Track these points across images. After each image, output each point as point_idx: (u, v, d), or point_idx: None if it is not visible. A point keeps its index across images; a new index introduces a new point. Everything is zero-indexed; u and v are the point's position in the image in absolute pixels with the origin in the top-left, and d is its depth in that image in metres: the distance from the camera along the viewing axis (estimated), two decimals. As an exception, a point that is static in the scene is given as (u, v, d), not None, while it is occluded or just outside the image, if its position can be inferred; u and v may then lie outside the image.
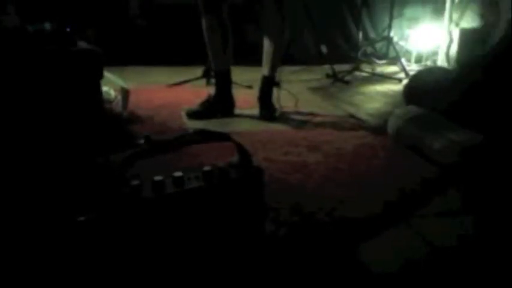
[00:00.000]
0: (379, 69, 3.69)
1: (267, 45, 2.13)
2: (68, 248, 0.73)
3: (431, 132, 1.57)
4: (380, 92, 2.84)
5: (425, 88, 1.99)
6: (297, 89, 2.73)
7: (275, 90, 2.22)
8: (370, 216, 1.16)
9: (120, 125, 1.88)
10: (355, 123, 2.09)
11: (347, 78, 3.15)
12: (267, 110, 2.13)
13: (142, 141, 0.80)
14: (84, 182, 0.82)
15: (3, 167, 1.27)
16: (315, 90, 2.90)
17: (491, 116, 1.61)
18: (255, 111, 2.17)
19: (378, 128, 1.96)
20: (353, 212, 1.17)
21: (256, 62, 2.24)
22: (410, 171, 1.48)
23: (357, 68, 3.39)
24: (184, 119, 2.08)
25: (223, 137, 0.85)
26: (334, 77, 3.16)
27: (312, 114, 2.24)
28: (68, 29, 1.57)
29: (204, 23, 2.08)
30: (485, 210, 1.21)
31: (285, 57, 2.26)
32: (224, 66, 2.16)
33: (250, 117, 2.14)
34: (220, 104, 2.17)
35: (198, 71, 2.94)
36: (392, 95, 2.76)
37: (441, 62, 3.47)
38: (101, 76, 1.64)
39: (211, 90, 2.24)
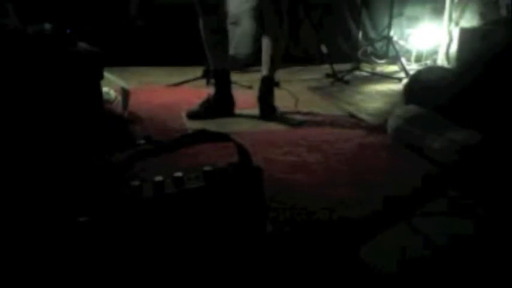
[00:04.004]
0: (379, 69, 3.69)
1: (266, 45, 2.14)
2: (69, 249, 0.74)
3: (431, 132, 1.57)
4: (380, 92, 2.84)
5: (425, 87, 1.99)
6: (297, 89, 2.73)
7: (275, 90, 2.22)
8: (370, 216, 1.16)
9: (120, 125, 1.88)
10: (355, 123, 2.09)
11: (347, 77, 3.15)
12: (267, 110, 2.13)
13: (142, 141, 0.80)
14: (85, 183, 0.82)
15: (3, 168, 1.27)
16: (314, 90, 2.90)
17: (491, 115, 1.61)
18: (255, 111, 2.17)
19: (378, 128, 1.96)
20: (353, 212, 1.17)
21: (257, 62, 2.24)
22: (410, 170, 1.48)
23: (357, 68, 3.38)
24: (185, 120, 2.08)
25: (223, 137, 0.85)
26: (334, 76, 3.15)
27: (311, 114, 2.24)
28: (68, 30, 1.57)
29: (201, 23, 2.08)
30: (485, 210, 1.21)
31: (285, 57, 2.26)
32: (223, 66, 2.17)
33: (250, 117, 2.14)
34: (221, 104, 2.17)
35: (198, 71, 2.94)
36: (392, 94, 2.76)
37: (441, 61, 3.47)
38: (101, 77, 1.64)
39: (211, 90, 2.24)
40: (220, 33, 2.09)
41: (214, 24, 2.07)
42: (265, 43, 2.13)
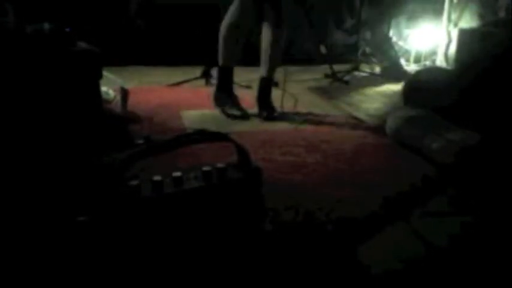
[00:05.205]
0: (378, 69, 3.69)
1: (265, 45, 2.14)
2: (68, 248, 0.74)
3: (430, 132, 1.58)
4: (379, 92, 2.85)
5: (424, 88, 1.99)
6: (296, 89, 2.73)
7: (274, 90, 2.22)
8: (369, 216, 1.16)
9: (119, 125, 1.88)
10: (354, 123, 2.09)
11: (346, 78, 3.15)
12: (266, 110, 2.13)
13: (141, 141, 0.80)
14: (84, 182, 0.82)
15: (3, 167, 1.27)
16: (314, 90, 2.90)
17: (490, 116, 1.61)
18: (254, 111, 2.17)
19: (377, 128, 1.97)
20: (352, 212, 1.17)
21: (256, 62, 2.24)
22: (409, 171, 1.49)
23: (356, 68, 3.38)
24: (184, 119, 2.08)
25: (223, 137, 0.85)
26: (333, 77, 3.16)
27: (311, 114, 2.24)
28: (68, 30, 1.57)
29: (235, 16, 2.06)
30: (484, 210, 1.21)
31: (284, 57, 2.27)
32: (229, 63, 2.16)
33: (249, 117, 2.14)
34: (229, 99, 2.17)
35: (197, 71, 2.94)
36: (391, 95, 2.76)
37: (440, 62, 3.48)
38: (100, 76, 1.64)
39: (210, 90, 2.24)
40: (239, 29, 2.08)
41: (236, 19, 2.06)
42: (265, 43, 2.14)
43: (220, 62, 2.17)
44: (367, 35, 4.18)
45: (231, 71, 2.19)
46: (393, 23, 3.69)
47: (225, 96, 2.17)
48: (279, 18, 2.09)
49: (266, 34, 2.13)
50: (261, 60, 2.17)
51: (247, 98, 2.37)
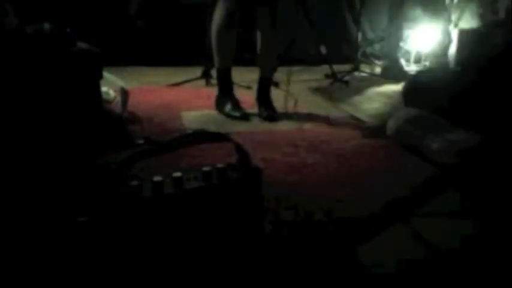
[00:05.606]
0: (378, 70, 3.69)
1: (261, 46, 2.14)
2: (68, 248, 0.74)
3: (430, 133, 1.58)
4: (379, 93, 2.85)
5: (424, 88, 1.99)
6: (296, 89, 2.73)
7: (274, 91, 2.22)
8: (369, 216, 1.16)
9: (119, 125, 1.88)
10: (355, 124, 2.09)
11: (346, 78, 3.15)
12: (266, 111, 2.13)
13: (141, 141, 0.80)
14: (84, 183, 0.82)
15: (3, 167, 1.27)
16: (314, 90, 2.90)
17: (490, 116, 1.62)
18: (254, 111, 2.17)
19: (377, 129, 1.96)
20: (352, 212, 1.17)
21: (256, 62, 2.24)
22: (409, 171, 1.49)
23: (356, 69, 3.38)
24: (184, 120, 2.08)
25: (223, 137, 0.85)
26: (334, 77, 3.15)
27: (311, 114, 2.24)
28: (68, 30, 1.57)
29: (222, 17, 2.03)
30: (484, 210, 1.21)
31: (284, 57, 2.27)
32: (227, 65, 2.16)
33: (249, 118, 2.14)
34: (229, 100, 2.17)
35: (197, 71, 2.94)
36: (391, 95, 2.76)
37: (440, 62, 3.47)
38: (100, 76, 1.64)
39: (210, 90, 2.24)
40: (230, 28, 2.06)
41: (235, 20, 2.04)
42: (260, 44, 2.14)
43: (217, 64, 2.17)
44: (370, 34, 4.19)
45: (229, 71, 2.19)
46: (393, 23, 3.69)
47: (226, 98, 2.17)
48: (273, 18, 2.09)
49: (262, 35, 2.13)
50: (259, 60, 2.17)
51: (247, 98, 2.37)
